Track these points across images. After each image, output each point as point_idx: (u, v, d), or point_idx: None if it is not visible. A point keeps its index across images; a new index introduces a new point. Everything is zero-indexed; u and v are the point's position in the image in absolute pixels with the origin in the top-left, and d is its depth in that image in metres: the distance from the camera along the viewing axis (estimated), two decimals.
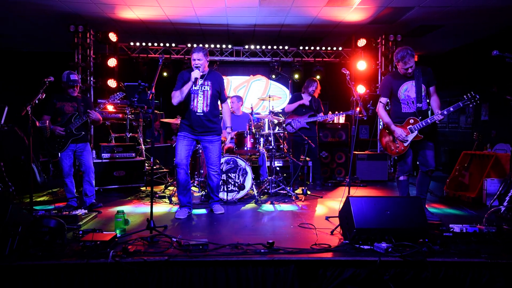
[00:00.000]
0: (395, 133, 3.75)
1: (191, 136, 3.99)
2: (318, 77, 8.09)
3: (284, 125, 5.66)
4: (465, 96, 3.51)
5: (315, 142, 5.65)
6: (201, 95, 3.94)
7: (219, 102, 4.18)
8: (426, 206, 4.01)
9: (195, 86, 3.91)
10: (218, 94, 4.06)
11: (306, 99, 5.68)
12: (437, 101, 3.74)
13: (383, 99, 3.89)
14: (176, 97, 3.87)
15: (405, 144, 3.73)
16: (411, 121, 3.71)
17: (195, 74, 3.78)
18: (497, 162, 4.90)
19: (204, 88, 3.96)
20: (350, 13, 6.51)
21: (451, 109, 3.54)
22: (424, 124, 3.64)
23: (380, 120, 7.63)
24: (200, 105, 3.93)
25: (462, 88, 6.93)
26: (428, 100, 3.82)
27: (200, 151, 5.14)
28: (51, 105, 4.20)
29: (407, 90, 3.75)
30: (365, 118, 4.00)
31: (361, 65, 7.58)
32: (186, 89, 3.82)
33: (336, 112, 5.81)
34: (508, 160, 4.76)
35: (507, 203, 3.86)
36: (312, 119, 5.65)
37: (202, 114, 3.94)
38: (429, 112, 3.76)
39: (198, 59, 3.84)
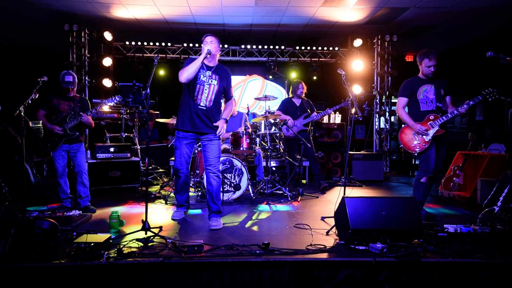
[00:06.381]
0: (415, 128, 3.78)
1: (190, 136, 3.70)
2: (314, 77, 8.13)
3: (280, 125, 5.64)
4: (483, 91, 3.58)
5: (311, 143, 5.64)
6: (207, 88, 3.63)
7: (222, 101, 3.92)
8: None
9: (203, 76, 3.59)
10: (224, 91, 3.77)
11: (297, 103, 5.70)
12: (453, 109, 3.78)
13: (403, 99, 3.92)
14: (186, 71, 3.48)
15: (426, 139, 3.74)
16: (431, 117, 3.76)
17: (208, 47, 3.48)
18: (491, 162, 4.93)
19: (212, 81, 3.65)
20: (346, 13, 6.52)
21: (471, 102, 3.60)
22: (445, 119, 3.71)
23: (375, 123, 7.71)
24: (204, 97, 3.62)
25: (458, 89, 6.99)
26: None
27: (197, 151, 5.12)
28: (48, 101, 4.17)
29: (426, 91, 3.83)
30: (360, 119, 4.00)
31: (357, 65, 7.60)
32: (198, 61, 3.47)
33: (328, 109, 5.66)
34: (502, 160, 4.79)
35: (501, 203, 3.88)
36: (308, 120, 5.62)
37: (204, 108, 3.63)
38: None
39: (211, 41, 3.58)
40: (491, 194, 4.17)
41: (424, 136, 3.76)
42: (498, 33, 7.23)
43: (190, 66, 3.50)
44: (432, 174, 3.81)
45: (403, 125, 3.99)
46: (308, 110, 5.69)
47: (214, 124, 3.66)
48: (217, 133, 3.65)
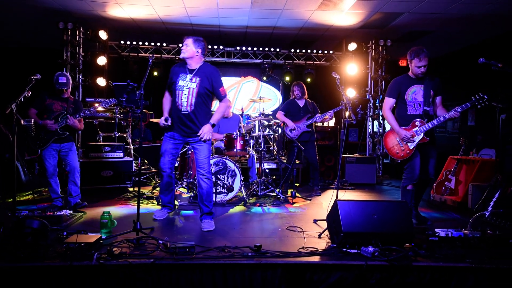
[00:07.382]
0: (400, 135, 3.66)
1: (178, 137, 3.64)
2: (308, 80, 8.14)
3: (282, 127, 5.57)
4: (472, 98, 3.46)
5: (314, 145, 5.52)
6: (186, 92, 3.51)
7: (215, 101, 3.83)
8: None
9: (182, 81, 3.57)
10: (208, 92, 3.59)
11: (301, 104, 5.52)
12: (443, 110, 3.68)
13: (390, 100, 3.77)
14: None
15: (411, 147, 3.64)
16: (417, 123, 3.64)
17: (161, 121, 3.65)
18: (483, 167, 4.98)
19: (191, 85, 3.52)
20: (341, 17, 6.56)
21: (459, 109, 3.48)
22: (430, 126, 3.59)
23: (368, 127, 7.76)
24: (184, 102, 3.52)
25: (452, 94, 7.05)
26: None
27: (190, 152, 5.11)
28: (41, 100, 4.14)
29: (415, 92, 3.69)
30: (354, 122, 4.00)
31: (351, 69, 7.64)
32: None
33: (331, 110, 5.42)
34: (493, 166, 4.85)
35: (492, 208, 3.92)
36: (311, 121, 5.44)
37: (186, 113, 3.54)
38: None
39: (186, 44, 3.53)
40: (482, 198, 4.21)
41: (408, 144, 3.66)
42: (493, 39, 7.31)
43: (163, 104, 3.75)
44: (416, 182, 3.72)
45: (388, 129, 3.87)
46: (310, 110, 5.61)
47: (199, 132, 3.55)
48: (199, 138, 3.55)
